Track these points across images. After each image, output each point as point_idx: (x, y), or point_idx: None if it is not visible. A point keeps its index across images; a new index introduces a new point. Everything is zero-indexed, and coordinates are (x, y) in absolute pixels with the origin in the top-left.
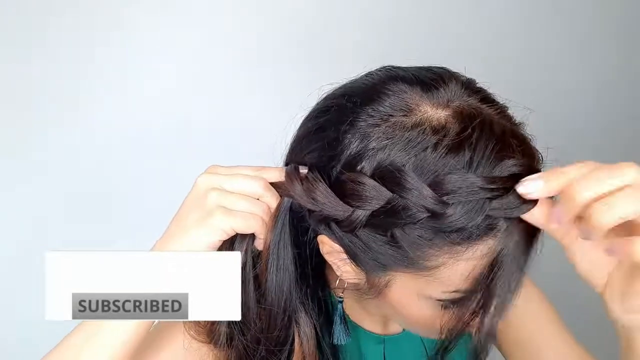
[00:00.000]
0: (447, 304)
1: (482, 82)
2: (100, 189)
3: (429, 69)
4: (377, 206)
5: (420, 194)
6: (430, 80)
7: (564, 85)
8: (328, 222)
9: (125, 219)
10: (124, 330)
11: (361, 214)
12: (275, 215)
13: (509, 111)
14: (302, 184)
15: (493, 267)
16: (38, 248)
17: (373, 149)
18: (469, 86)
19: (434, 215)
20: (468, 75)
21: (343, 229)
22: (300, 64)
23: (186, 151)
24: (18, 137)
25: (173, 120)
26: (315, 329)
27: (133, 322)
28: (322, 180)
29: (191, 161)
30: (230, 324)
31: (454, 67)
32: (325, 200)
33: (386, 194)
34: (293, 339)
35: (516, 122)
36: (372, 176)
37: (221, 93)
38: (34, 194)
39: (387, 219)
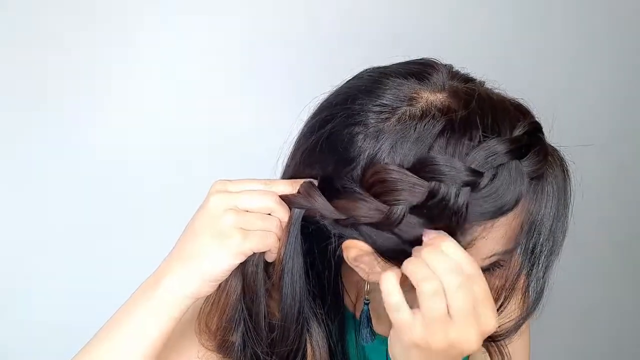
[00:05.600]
0: (486, 268)
1: (494, 81)
2: (100, 189)
3: (412, 62)
4: (419, 198)
5: (455, 170)
6: (420, 71)
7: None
8: (357, 226)
9: (124, 219)
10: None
11: (399, 209)
12: (288, 229)
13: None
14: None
15: (530, 224)
16: (38, 248)
17: (391, 143)
18: (451, 70)
19: (472, 187)
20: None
21: (381, 228)
22: (301, 65)
23: (186, 154)
24: (18, 136)
25: (173, 121)
26: (328, 338)
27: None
28: (352, 190)
29: (192, 163)
30: (243, 334)
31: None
32: (359, 207)
33: (421, 182)
34: (305, 349)
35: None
36: (400, 168)
37: (222, 95)
38: (35, 193)
39: (429, 208)
